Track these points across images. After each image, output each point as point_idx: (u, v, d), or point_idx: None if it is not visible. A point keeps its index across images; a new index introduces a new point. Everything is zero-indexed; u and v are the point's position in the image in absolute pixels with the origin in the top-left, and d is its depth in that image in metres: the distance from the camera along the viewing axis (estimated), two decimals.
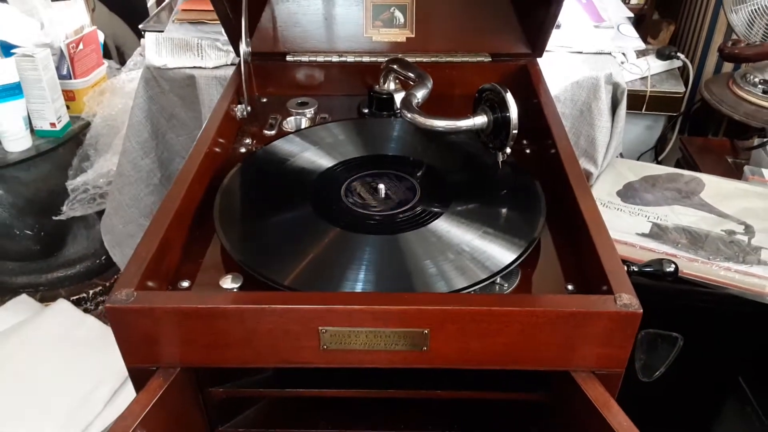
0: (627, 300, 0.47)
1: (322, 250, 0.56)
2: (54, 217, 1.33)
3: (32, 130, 1.29)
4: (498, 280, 0.54)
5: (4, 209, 1.34)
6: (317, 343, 0.48)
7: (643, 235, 0.92)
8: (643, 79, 1.32)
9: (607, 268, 0.50)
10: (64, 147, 1.33)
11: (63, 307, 1.29)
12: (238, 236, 0.58)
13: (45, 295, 1.41)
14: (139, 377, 0.51)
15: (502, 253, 0.55)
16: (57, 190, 1.34)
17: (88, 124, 1.34)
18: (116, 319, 0.48)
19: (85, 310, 1.34)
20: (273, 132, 0.78)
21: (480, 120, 0.65)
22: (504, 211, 0.62)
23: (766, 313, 0.88)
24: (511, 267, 0.54)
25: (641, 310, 0.46)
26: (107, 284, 1.46)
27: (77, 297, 1.41)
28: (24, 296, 1.36)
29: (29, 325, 1.25)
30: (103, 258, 1.47)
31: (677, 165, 1.26)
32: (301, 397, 0.61)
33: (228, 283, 0.54)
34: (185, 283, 0.55)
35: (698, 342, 0.97)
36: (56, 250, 1.47)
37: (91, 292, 1.43)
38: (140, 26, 1.08)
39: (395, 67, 0.78)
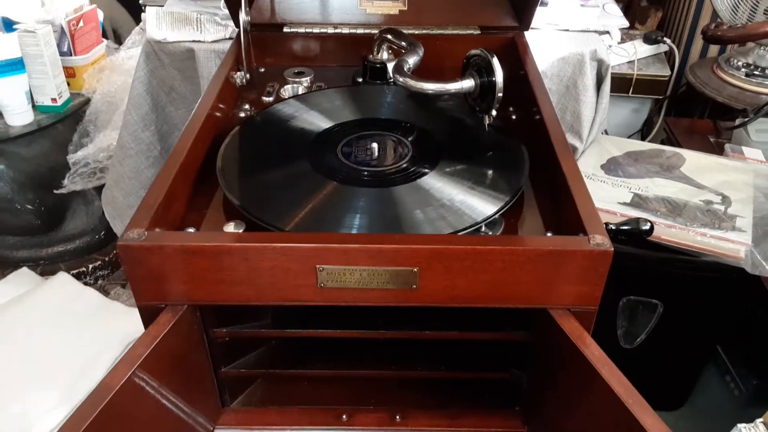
0: (599, 240, 0.51)
1: (320, 200, 0.60)
2: (55, 191, 1.36)
3: (34, 106, 1.31)
4: (483, 228, 0.58)
5: (6, 184, 1.36)
6: (315, 281, 0.52)
7: (625, 204, 0.96)
8: (630, 63, 1.36)
9: (583, 215, 0.54)
10: (64, 123, 1.35)
11: (63, 279, 1.31)
12: (241, 188, 0.62)
13: (45, 269, 1.44)
14: (149, 316, 0.54)
15: (486, 206, 0.59)
16: (57, 167, 1.36)
17: (88, 101, 1.36)
18: (128, 257, 0.51)
19: (85, 284, 1.36)
20: (271, 99, 0.82)
21: (468, 83, 0.68)
22: (489, 169, 0.66)
23: (742, 281, 0.92)
24: (495, 216, 0.58)
25: (612, 249, 0.50)
26: (106, 259, 1.49)
27: (77, 271, 1.44)
28: (24, 269, 1.38)
29: (30, 297, 1.26)
30: (103, 233, 1.50)
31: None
32: (300, 339, 0.65)
33: (231, 228, 0.57)
34: (191, 230, 0.58)
35: (678, 310, 1.01)
36: (56, 225, 1.49)
37: (90, 266, 1.46)
38: (141, 0, 1.11)
39: (388, 36, 0.82)
